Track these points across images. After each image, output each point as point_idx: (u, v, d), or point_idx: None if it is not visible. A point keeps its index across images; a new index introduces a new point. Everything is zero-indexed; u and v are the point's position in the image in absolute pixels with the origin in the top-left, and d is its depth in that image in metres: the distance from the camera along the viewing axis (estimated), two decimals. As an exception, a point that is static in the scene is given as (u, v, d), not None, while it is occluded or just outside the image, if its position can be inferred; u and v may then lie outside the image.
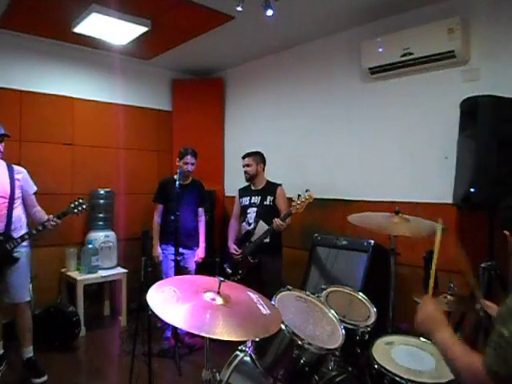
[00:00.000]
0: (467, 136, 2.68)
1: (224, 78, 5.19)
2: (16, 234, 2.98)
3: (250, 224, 3.61)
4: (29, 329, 3.11)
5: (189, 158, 3.72)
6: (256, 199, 3.65)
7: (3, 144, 3.04)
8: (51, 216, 3.05)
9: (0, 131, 3.01)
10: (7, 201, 2.98)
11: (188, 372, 3.23)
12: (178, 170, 3.65)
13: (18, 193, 3.05)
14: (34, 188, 3.20)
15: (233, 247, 3.64)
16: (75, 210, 3.11)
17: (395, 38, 3.24)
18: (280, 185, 3.66)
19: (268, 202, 3.59)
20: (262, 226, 3.47)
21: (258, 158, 3.68)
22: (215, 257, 4.44)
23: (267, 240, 3.43)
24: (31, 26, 3.79)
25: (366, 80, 3.64)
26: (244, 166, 3.68)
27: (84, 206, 3.14)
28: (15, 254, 2.98)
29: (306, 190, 3.16)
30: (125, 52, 4.41)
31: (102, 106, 4.63)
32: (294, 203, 3.19)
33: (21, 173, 3.12)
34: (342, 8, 3.35)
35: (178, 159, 3.77)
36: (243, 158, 3.71)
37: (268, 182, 3.71)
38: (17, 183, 3.05)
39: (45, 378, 3.03)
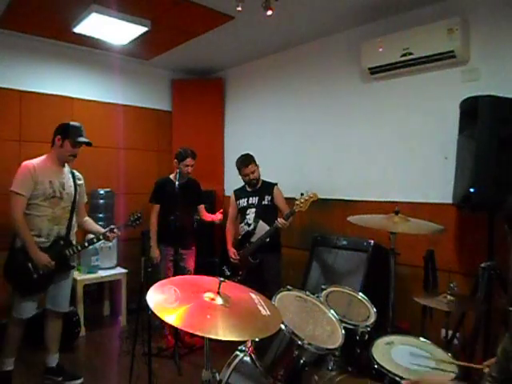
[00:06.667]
0: (467, 136, 2.68)
1: (224, 78, 5.20)
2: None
3: (249, 225, 3.57)
4: (58, 336, 3.09)
5: (189, 161, 3.67)
6: (254, 200, 3.61)
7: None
8: (113, 226, 3.04)
9: (81, 138, 2.94)
10: (71, 205, 2.97)
11: (188, 372, 3.22)
12: (176, 170, 3.64)
13: (77, 199, 3.03)
14: (86, 198, 3.21)
15: (232, 251, 3.58)
16: (133, 224, 3.14)
17: (395, 38, 3.24)
18: (276, 184, 3.64)
19: (266, 202, 3.57)
20: (262, 226, 3.45)
21: (255, 160, 3.62)
22: (215, 257, 4.43)
23: (267, 240, 3.40)
24: (31, 26, 3.79)
25: (366, 80, 3.64)
26: (248, 175, 3.56)
27: (141, 220, 3.18)
28: (72, 263, 2.99)
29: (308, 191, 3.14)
30: (125, 52, 4.41)
31: (102, 106, 4.63)
32: (297, 202, 3.14)
33: (81, 179, 3.12)
34: (342, 8, 3.35)
35: (175, 160, 3.71)
36: (246, 165, 3.55)
37: (263, 181, 3.68)
38: (78, 189, 3.04)
39: (81, 381, 3.06)
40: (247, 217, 3.60)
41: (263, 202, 3.57)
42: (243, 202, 3.66)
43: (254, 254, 3.47)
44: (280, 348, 1.87)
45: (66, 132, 2.92)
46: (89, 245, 3.01)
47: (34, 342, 3.34)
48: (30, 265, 2.78)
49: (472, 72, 3.01)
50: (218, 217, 3.84)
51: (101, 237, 3.00)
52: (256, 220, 3.52)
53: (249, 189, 3.67)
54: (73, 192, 2.98)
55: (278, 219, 3.27)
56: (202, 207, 3.95)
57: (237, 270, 3.57)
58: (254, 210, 3.58)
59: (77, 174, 3.12)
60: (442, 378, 1.55)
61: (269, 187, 3.62)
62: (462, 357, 2.36)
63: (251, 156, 3.63)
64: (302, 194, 3.16)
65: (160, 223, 3.76)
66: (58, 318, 3.07)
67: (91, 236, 3.08)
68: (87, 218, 3.20)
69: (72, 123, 2.96)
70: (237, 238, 3.73)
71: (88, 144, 2.97)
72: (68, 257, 2.92)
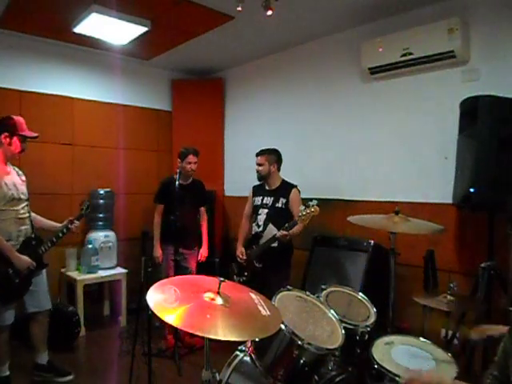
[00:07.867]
0: (467, 136, 2.68)
1: (224, 78, 5.19)
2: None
3: (259, 226, 3.43)
4: (46, 334, 3.06)
5: (191, 158, 3.68)
6: (268, 200, 3.44)
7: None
8: (72, 218, 3.01)
9: (29, 132, 2.88)
10: (27, 203, 2.91)
11: (188, 372, 3.23)
12: (177, 170, 3.65)
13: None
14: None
15: (240, 250, 3.46)
16: (86, 213, 3.13)
17: (395, 38, 3.24)
18: (295, 186, 3.42)
19: (280, 205, 3.37)
20: (271, 230, 3.29)
21: (272, 156, 3.45)
22: (215, 257, 4.43)
23: (275, 244, 3.23)
24: (31, 26, 3.79)
25: (366, 80, 3.64)
26: (256, 165, 3.47)
27: (90, 208, 3.18)
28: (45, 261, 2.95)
29: (313, 201, 2.99)
30: (125, 52, 4.41)
31: (102, 105, 4.63)
32: (299, 213, 2.99)
33: (24, 175, 3.04)
34: (342, 8, 3.35)
35: (179, 160, 3.71)
36: (256, 155, 3.48)
37: (283, 182, 3.48)
38: (25, 185, 2.99)
39: (71, 377, 3.07)
40: (258, 217, 3.46)
41: (277, 205, 3.38)
42: (258, 200, 3.52)
43: (259, 258, 3.32)
44: (280, 348, 1.87)
45: (13, 128, 2.78)
46: (56, 240, 2.95)
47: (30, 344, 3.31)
48: (10, 270, 2.69)
49: (472, 72, 3.01)
50: (200, 255, 3.89)
51: (65, 230, 2.97)
52: (266, 222, 3.38)
53: (267, 187, 3.50)
54: (25, 190, 2.92)
55: (279, 232, 3.12)
56: (202, 210, 3.95)
57: (244, 269, 3.45)
58: (266, 211, 3.42)
59: (17, 169, 3.00)
60: (442, 376, 1.54)
61: (287, 189, 3.41)
62: (461, 357, 2.36)
63: (269, 150, 3.49)
64: (305, 206, 3.00)
65: (164, 223, 3.78)
66: (44, 318, 3.02)
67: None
68: (34, 215, 3.08)
69: (15, 117, 2.83)
70: (248, 236, 3.59)
71: (35, 137, 2.90)
72: (41, 255, 2.89)
